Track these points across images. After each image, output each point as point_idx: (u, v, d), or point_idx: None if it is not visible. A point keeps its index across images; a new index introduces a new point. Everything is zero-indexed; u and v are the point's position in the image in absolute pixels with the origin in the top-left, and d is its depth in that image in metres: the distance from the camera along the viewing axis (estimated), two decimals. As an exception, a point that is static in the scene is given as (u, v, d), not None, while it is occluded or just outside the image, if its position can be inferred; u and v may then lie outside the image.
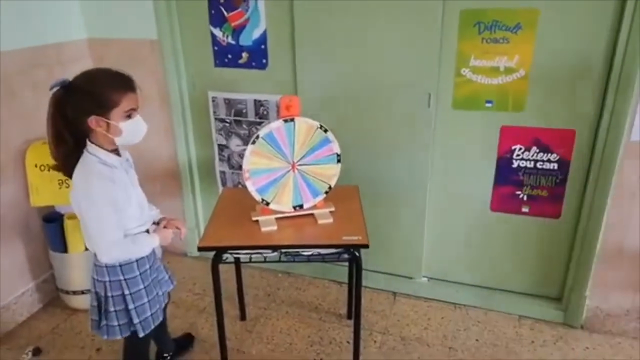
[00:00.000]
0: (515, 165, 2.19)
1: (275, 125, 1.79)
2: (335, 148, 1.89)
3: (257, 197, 1.86)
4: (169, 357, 2.13)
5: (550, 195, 2.20)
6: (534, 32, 1.96)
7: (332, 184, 1.94)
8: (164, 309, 1.87)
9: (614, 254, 2.16)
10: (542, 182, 2.19)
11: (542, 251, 2.33)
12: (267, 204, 1.88)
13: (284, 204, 1.90)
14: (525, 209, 2.26)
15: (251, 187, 1.84)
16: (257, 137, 1.78)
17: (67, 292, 2.47)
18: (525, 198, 2.24)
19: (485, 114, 2.14)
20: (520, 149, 2.16)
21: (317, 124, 1.83)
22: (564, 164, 2.13)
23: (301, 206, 1.93)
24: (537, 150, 2.14)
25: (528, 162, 2.17)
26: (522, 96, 2.07)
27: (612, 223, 2.11)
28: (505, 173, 2.22)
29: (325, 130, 1.85)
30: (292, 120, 1.80)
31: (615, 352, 2.20)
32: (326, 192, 1.94)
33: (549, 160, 2.14)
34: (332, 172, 1.93)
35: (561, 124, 2.08)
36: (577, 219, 2.20)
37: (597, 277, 2.23)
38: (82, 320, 2.43)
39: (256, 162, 1.82)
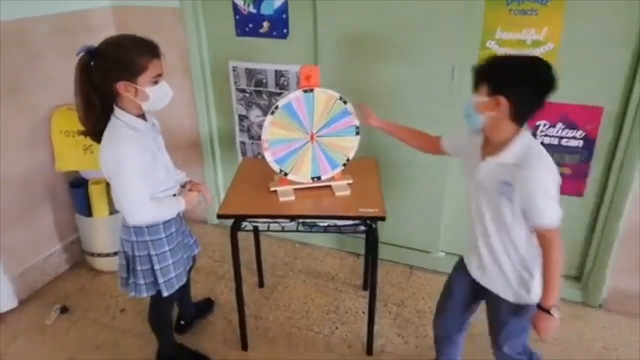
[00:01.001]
0: (538, 141, 2.15)
1: (294, 96, 1.79)
2: (355, 120, 1.88)
3: (276, 168, 1.87)
4: (185, 324, 2.20)
5: (574, 173, 2.15)
6: (564, 3, 1.89)
7: (350, 156, 1.94)
8: (188, 273, 1.93)
9: (635, 234, 2.13)
10: (566, 160, 2.14)
11: (562, 229, 2.26)
12: (286, 174, 1.89)
13: (302, 174, 1.92)
14: (547, 186, 2.22)
15: (270, 157, 1.85)
16: (276, 107, 1.78)
17: (92, 255, 2.56)
18: (547, 175, 2.20)
19: (510, 88, 2.09)
20: (545, 125, 2.12)
21: (337, 95, 1.82)
22: (589, 141, 2.08)
23: (319, 178, 1.94)
24: (563, 127, 2.09)
25: (552, 138, 2.13)
26: (549, 70, 2.01)
27: (636, 203, 2.07)
28: (528, 149, 2.18)
29: (345, 102, 1.84)
30: (312, 90, 1.79)
31: (632, 332, 2.19)
32: (344, 165, 1.94)
33: (574, 137, 2.09)
34: (350, 145, 1.92)
35: (589, 100, 2.02)
36: (600, 198, 2.16)
37: (617, 258, 2.20)
38: (106, 282, 2.52)
39: (275, 132, 1.83)
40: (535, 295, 1.44)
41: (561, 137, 2.11)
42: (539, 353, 1.66)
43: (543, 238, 1.37)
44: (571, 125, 2.08)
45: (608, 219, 2.14)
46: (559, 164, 2.13)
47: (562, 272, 1.39)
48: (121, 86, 1.48)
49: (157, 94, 1.53)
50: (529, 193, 1.31)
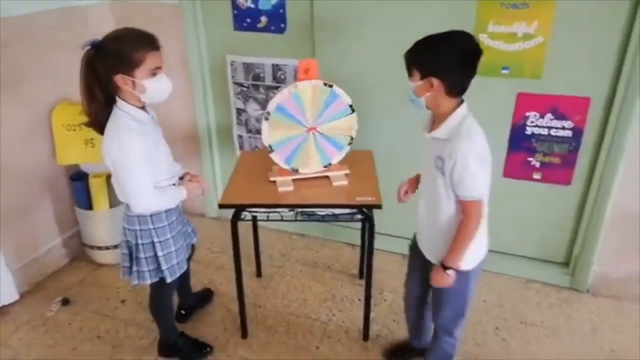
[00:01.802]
0: (528, 132, 2.22)
1: (281, 98, 1.83)
2: (346, 99, 1.90)
3: (287, 167, 1.92)
4: (185, 313, 2.25)
5: (563, 162, 2.23)
6: (554, -2, 1.96)
7: (353, 134, 1.96)
8: (188, 262, 1.98)
9: (621, 220, 2.21)
10: (555, 149, 2.21)
11: (551, 217, 2.38)
12: (297, 170, 1.94)
13: (313, 166, 1.97)
14: (537, 176, 2.30)
15: (278, 159, 1.92)
16: (268, 112, 1.84)
17: (92, 248, 2.60)
18: (537, 165, 2.27)
19: (502, 80, 2.16)
20: (535, 115, 2.19)
21: (320, 82, 1.85)
22: (577, 132, 2.15)
23: (330, 164, 1.99)
24: (552, 118, 2.16)
25: (542, 129, 2.20)
26: (540, 63, 2.08)
27: (622, 191, 2.15)
28: (518, 140, 2.25)
29: (330, 86, 1.86)
30: (295, 87, 1.83)
31: (619, 315, 2.27)
32: (349, 144, 1.98)
33: (563, 128, 2.16)
34: (349, 124, 1.95)
35: (577, 91, 2.09)
36: (587, 186, 2.24)
37: (604, 243, 2.28)
38: (107, 275, 2.56)
39: (276, 135, 1.88)
40: (464, 263, 1.55)
41: (550, 128, 2.18)
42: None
43: (463, 208, 1.48)
44: (560, 116, 2.15)
45: (595, 206, 2.22)
46: (548, 153, 2.23)
47: (471, 243, 1.51)
48: (119, 79, 1.52)
49: (155, 86, 1.57)
50: (453, 166, 1.40)
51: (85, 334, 2.21)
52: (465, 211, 1.47)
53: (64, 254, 2.65)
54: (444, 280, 1.55)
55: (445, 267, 1.53)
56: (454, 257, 1.52)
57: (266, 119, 1.85)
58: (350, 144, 1.99)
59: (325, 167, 1.99)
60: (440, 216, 1.54)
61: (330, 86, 1.87)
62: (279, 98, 1.83)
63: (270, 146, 1.89)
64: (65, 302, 2.38)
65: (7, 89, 2.20)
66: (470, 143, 1.40)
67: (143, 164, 1.58)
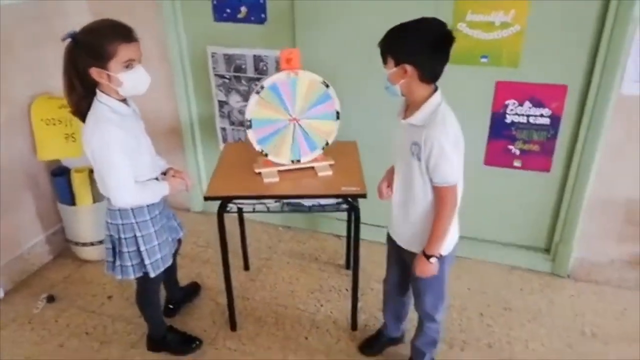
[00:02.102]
0: (508, 120, 2.26)
1: (278, 77, 1.84)
2: (336, 105, 1.95)
3: (257, 148, 1.92)
4: (173, 307, 2.25)
5: (542, 149, 2.27)
6: (530, -14, 1.99)
7: (330, 140, 2.00)
8: (174, 256, 1.98)
9: (600, 206, 2.27)
10: (534, 137, 2.25)
11: (532, 204, 2.42)
12: (266, 155, 1.94)
13: (282, 156, 1.97)
14: (517, 163, 2.34)
15: (252, 136, 1.90)
16: (262, 87, 1.83)
17: (77, 244, 2.58)
18: (517, 152, 2.31)
19: (481, 69, 2.19)
20: (514, 104, 2.22)
21: (320, 78, 1.88)
22: (555, 119, 2.19)
23: (299, 160, 2.00)
24: (530, 105, 2.20)
25: (521, 117, 2.24)
26: (517, 51, 2.11)
27: (600, 177, 2.20)
28: (498, 128, 2.29)
29: (327, 86, 1.90)
30: (296, 73, 1.84)
31: (598, 299, 2.34)
32: (323, 148, 2.01)
33: (541, 115, 2.20)
34: (330, 129, 1.99)
35: (554, 79, 2.13)
36: (566, 172, 2.29)
37: (583, 229, 2.34)
38: (92, 271, 2.55)
39: (259, 112, 1.88)
40: (446, 247, 1.59)
41: (529, 116, 2.22)
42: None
43: (439, 194, 1.50)
44: (538, 104, 2.19)
45: (574, 193, 2.27)
46: (527, 141, 2.27)
47: (450, 228, 1.54)
48: (94, 72, 1.51)
49: (130, 79, 1.54)
50: (430, 151, 1.43)
51: (72, 330, 2.20)
52: (441, 197, 1.49)
53: (48, 251, 2.63)
54: (428, 269, 1.57)
55: (427, 256, 1.55)
56: (435, 244, 1.54)
57: (257, 92, 1.84)
58: (324, 148, 2.01)
59: (292, 161, 1.99)
60: (416, 203, 1.56)
61: (328, 86, 1.89)
62: (277, 77, 1.83)
63: (250, 121, 1.88)
64: (51, 299, 2.36)
65: (-17, 83, 2.16)
66: (445, 129, 1.43)
67: (123, 157, 1.56)
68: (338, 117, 1.97)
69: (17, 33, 2.27)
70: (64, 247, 2.68)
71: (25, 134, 2.38)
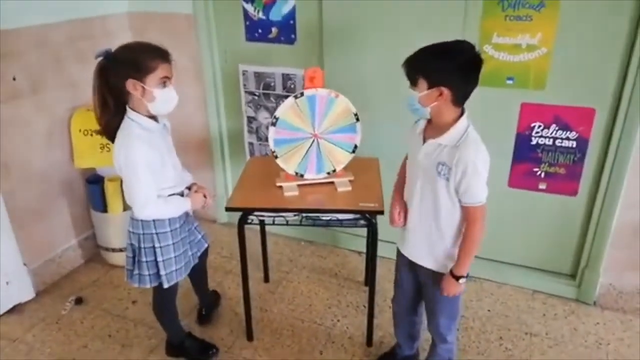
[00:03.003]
0: (534, 142, 2.24)
1: (320, 91, 1.89)
2: (357, 139, 1.99)
3: (272, 146, 1.97)
4: (206, 314, 2.32)
5: (568, 172, 2.24)
6: (558, 10, 1.99)
7: (338, 169, 2.04)
8: (203, 264, 2.07)
9: (628, 232, 2.20)
10: (560, 160, 2.22)
11: (557, 228, 2.38)
12: (276, 157, 1.99)
13: (289, 165, 2.01)
14: (542, 186, 2.30)
15: (272, 134, 1.95)
16: (302, 94, 1.89)
17: (107, 249, 2.68)
18: (542, 175, 2.28)
19: (506, 90, 2.19)
20: (539, 126, 2.20)
21: (354, 109, 1.93)
22: (582, 142, 2.16)
23: (302, 175, 2.04)
24: (557, 128, 2.18)
25: (547, 139, 2.21)
26: (543, 74, 2.10)
27: (628, 202, 2.14)
28: (523, 150, 2.27)
29: (358, 119, 1.95)
30: (337, 95, 1.90)
31: (625, 328, 2.25)
32: (328, 173, 2.04)
33: (567, 138, 2.18)
34: (343, 159, 2.03)
35: (581, 102, 2.10)
36: (593, 197, 2.24)
37: (611, 256, 2.27)
38: (120, 276, 2.63)
39: (288, 115, 1.93)
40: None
41: (555, 138, 2.19)
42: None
43: (469, 214, 1.50)
44: (565, 127, 2.16)
45: (601, 218, 2.22)
46: (553, 164, 2.24)
47: (478, 249, 1.55)
48: (130, 84, 1.59)
49: (163, 96, 1.63)
50: (463, 172, 1.43)
51: (96, 332, 2.28)
52: (472, 216, 1.50)
53: (80, 255, 2.74)
54: (457, 289, 1.57)
55: (457, 277, 1.54)
56: (465, 265, 1.54)
57: (296, 97, 1.89)
58: (329, 173, 2.04)
59: (328, 173, 2.04)
60: (441, 223, 1.56)
61: (358, 120, 1.95)
62: (319, 91, 1.89)
63: (277, 118, 1.92)
64: (79, 301, 2.46)
65: (28, 95, 2.32)
66: (478, 148, 1.45)
67: (147, 173, 1.64)
68: (354, 151, 2.02)
69: (63, 49, 2.44)
70: (94, 252, 2.79)
71: (64, 144, 2.51)
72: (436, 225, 1.57)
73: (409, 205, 1.65)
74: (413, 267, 1.70)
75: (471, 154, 1.43)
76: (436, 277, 1.63)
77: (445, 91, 1.41)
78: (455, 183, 1.46)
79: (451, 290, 1.58)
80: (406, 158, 1.73)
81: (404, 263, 1.74)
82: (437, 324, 1.72)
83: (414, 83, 1.46)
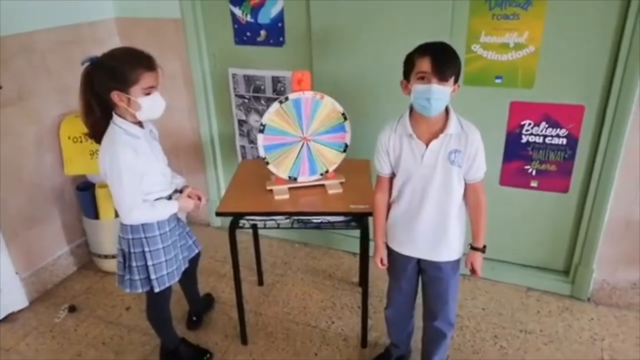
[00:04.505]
0: (524, 140, 2.24)
1: (305, 95, 1.90)
2: (347, 138, 2.00)
3: (262, 153, 1.98)
4: (196, 319, 2.31)
5: (559, 170, 2.24)
6: (545, 8, 1.99)
7: (330, 169, 2.05)
8: (194, 270, 2.08)
9: (621, 228, 2.21)
10: (550, 157, 2.23)
11: (550, 225, 2.38)
12: (267, 163, 1.99)
13: (281, 170, 2.02)
14: (533, 184, 2.31)
15: (260, 141, 1.96)
16: (287, 98, 1.89)
17: (99, 256, 2.67)
18: (534, 173, 2.29)
19: (495, 90, 2.19)
20: (529, 124, 2.21)
21: (341, 109, 1.94)
22: (572, 139, 2.17)
23: (295, 179, 2.03)
24: (547, 126, 2.18)
25: (537, 137, 2.22)
26: (532, 72, 2.11)
27: (619, 198, 2.15)
28: (514, 148, 2.27)
29: (345, 118, 1.95)
30: (322, 97, 1.91)
31: (619, 323, 2.26)
32: (321, 174, 2.04)
33: (557, 136, 2.18)
34: (334, 159, 2.04)
35: (570, 99, 2.11)
36: (584, 193, 2.24)
37: (604, 251, 2.28)
38: (113, 282, 2.62)
39: (275, 120, 1.93)
40: (463, 245, 1.70)
41: (545, 136, 2.20)
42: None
43: (477, 189, 1.61)
44: (554, 124, 2.17)
45: (592, 214, 2.22)
46: (544, 161, 2.24)
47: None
48: (115, 95, 1.59)
49: (149, 104, 1.63)
50: (474, 153, 1.55)
51: (90, 340, 2.26)
52: (480, 189, 1.61)
53: (72, 262, 2.73)
54: (481, 260, 1.69)
55: (480, 249, 1.66)
56: (483, 234, 1.66)
57: (280, 102, 1.90)
58: (322, 174, 2.05)
59: (322, 174, 2.03)
60: (453, 211, 1.62)
61: (346, 119, 1.96)
62: (304, 94, 1.90)
63: (264, 125, 1.93)
64: (72, 309, 2.45)
65: (16, 102, 2.30)
66: (476, 128, 1.57)
67: (131, 178, 1.63)
68: (345, 150, 2.01)
69: (51, 56, 2.42)
70: (87, 259, 2.78)
71: (54, 151, 2.50)
72: (450, 215, 1.62)
73: (417, 213, 1.63)
74: (418, 266, 1.73)
75: (477, 134, 1.56)
76: (454, 266, 1.70)
77: (457, 86, 1.52)
78: (468, 164, 1.55)
79: (481, 263, 1.69)
80: (381, 192, 1.71)
81: (408, 265, 1.74)
82: (448, 310, 1.76)
83: (445, 79, 1.46)
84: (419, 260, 1.72)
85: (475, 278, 2.53)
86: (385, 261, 1.77)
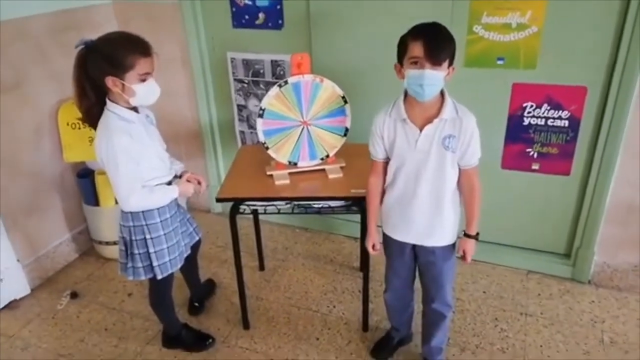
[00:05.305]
0: (526, 122, 2.22)
1: (305, 78, 1.87)
2: (347, 122, 1.98)
3: (261, 138, 1.96)
4: (198, 306, 2.32)
5: (561, 152, 2.22)
6: (547, -13, 1.96)
7: (331, 154, 2.03)
8: (195, 257, 2.08)
9: (622, 210, 2.20)
10: (552, 140, 2.21)
11: (551, 208, 2.37)
12: (267, 148, 1.98)
13: (281, 155, 2.00)
14: (535, 166, 2.29)
15: (260, 126, 1.94)
16: (286, 82, 1.87)
17: (100, 243, 2.67)
18: (535, 155, 2.27)
19: (497, 71, 2.16)
20: (531, 106, 2.18)
21: (341, 92, 1.92)
22: (574, 121, 2.15)
23: (295, 164, 2.02)
24: (549, 108, 2.16)
25: (539, 119, 2.20)
26: (534, 53, 2.08)
27: (621, 180, 2.14)
28: (516, 131, 2.25)
29: (346, 102, 1.93)
30: (322, 80, 1.88)
31: (620, 305, 2.26)
32: (322, 159, 2.03)
33: (559, 118, 2.16)
34: (335, 143, 2.02)
35: (573, 80, 2.08)
36: (586, 176, 2.23)
37: (605, 234, 2.27)
38: (114, 269, 2.60)
39: (275, 104, 1.91)
40: (458, 230, 1.69)
41: (547, 118, 2.18)
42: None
43: (472, 174, 1.59)
44: (557, 106, 2.14)
45: (594, 197, 2.21)
46: (545, 143, 2.23)
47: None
48: (109, 81, 1.56)
49: (144, 91, 1.61)
50: (469, 138, 1.52)
51: (92, 326, 2.28)
52: (475, 175, 1.59)
53: (74, 249, 2.73)
54: (475, 247, 1.67)
55: (475, 236, 1.65)
56: (477, 221, 1.64)
57: (280, 86, 1.88)
58: (322, 159, 2.03)
59: (322, 159, 2.02)
60: (447, 196, 1.60)
61: (346, 102, 1.94)
62: (303, 78, 1.88)
63: (263, 110, 1.91)
64: (74, 295, 2.46)
65: (13, 89, 2.28)
66: (472, 114, 1.54)
67: (127, 163, 1.61)
68: (345, 134, 1.99)
69: (47, 41, 2.39)
70: (89, 246, 2.78)
71: (53, 137, 2.48)
72: (444, 200, 1.60)
73: (411, 198, 1.62)
74: (413, 251, 1.72)
75: (472, 119, 1.52)
76: (446, 250, 1.69)
77: (452, 69, 1.48)
78: (462, 149, 1.53)
79: (473, 250, 1.67)
80: (375, 177, 1.70)
81: (403, 250, 1.74)
82: (444, 293, 1.77)
83: (439, 63, 1.43)
84: (414, 246, 1.71)
85: (476, 261, 2.54)
86: (378, 246, 1.77)
